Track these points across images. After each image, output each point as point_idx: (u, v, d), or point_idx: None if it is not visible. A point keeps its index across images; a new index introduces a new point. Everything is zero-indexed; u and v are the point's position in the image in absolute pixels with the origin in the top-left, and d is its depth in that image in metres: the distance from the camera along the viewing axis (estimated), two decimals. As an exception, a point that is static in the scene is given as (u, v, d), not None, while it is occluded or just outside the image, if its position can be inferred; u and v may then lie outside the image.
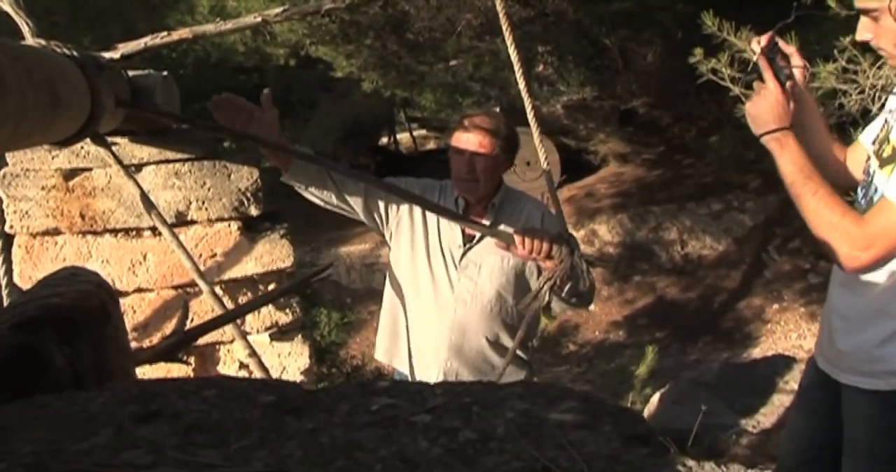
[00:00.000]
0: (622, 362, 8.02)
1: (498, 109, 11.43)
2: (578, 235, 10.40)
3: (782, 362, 6.04)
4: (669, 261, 9.95)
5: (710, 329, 8.81)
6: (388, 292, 2.99)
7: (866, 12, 1.90)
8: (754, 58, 2.05)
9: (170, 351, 1.03)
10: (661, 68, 9.21)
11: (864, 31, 1.94)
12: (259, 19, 2.41)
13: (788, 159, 1.97)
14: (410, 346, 2.93)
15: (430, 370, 2.84)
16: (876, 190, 2.00)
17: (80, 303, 0.71)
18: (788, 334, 8.17)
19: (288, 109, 14.70)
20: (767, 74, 2.03)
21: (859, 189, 2.13)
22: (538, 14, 8.01)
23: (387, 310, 3.00)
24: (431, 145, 18.91)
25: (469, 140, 2.73)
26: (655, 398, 5.65)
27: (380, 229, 2.92)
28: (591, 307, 9.22)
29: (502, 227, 2.77)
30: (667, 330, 8.92)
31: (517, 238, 2.47)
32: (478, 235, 2.80)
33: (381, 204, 2.83)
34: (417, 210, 2.82)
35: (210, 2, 8.06)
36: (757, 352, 7.97)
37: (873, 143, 2.12)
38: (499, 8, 2.31)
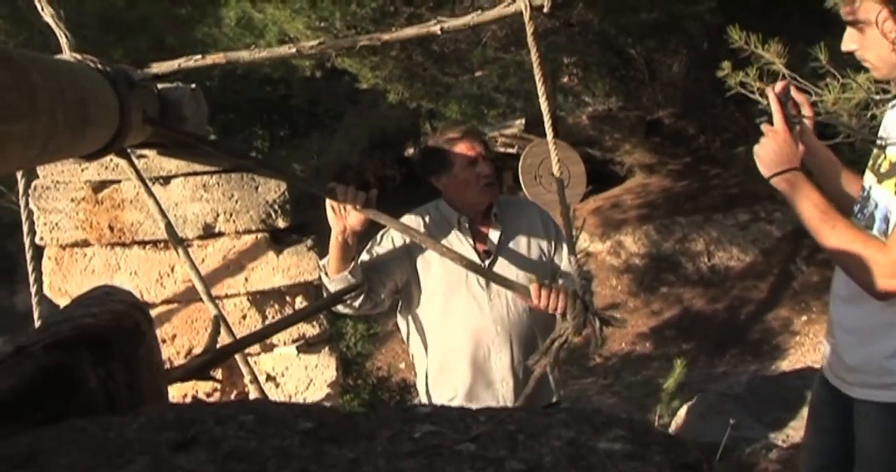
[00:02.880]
0: (649, 374, 7.96)
1: (524, 120, 11.44)
2: (604, 246, 10.35)
3: (811, 375, 5.92)
4: (696, 272, 9.88)
5: (737, 341, 8.73)
6: (417, 344, 2.88)
7: (853, 23, 1.91)
8: (765, 102, 2.07)
9: (201, 369, 1.03)
10: (687, 79, 9.18)
11: (850, 41, 1.95)
12: (293, 50, 2.43)
13: (801, 197, 1.97)
14: (453, 383, 2.82)
15: (489, 398, 2.78)
16: (876, 206, 2.00)
17: (114, 323, 0.71)
18: (817, 347, 8.07)
19: (314, 120, 14.77)
20: (777, 117, 2.04)
21: (856, 205, 2.12)
22: (563, 24, 8.01)
23: (423, 358, 2.88)
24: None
25: (475, 147, 2.74)
26: (683, 410, 5.59)
27: (397, 295, 2.84)
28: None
29: (514, 242, 2.79)
30: (694, 342, 8.85)
31: (533, 291, 2.45)
32: (493, 249, 2.78)
33: (395, 274, 2.77)
34: (417, 252, 2.76)
35: (237, 14, 8.12)
36: (785, 364, 7.88)
37: (870, 157, 2.12)
38: (529, 38, 2.31)
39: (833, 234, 1.91)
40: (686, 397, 5.97)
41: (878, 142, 2.09)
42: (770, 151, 2.03)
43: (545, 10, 2.29)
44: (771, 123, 2.06)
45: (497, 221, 2.81)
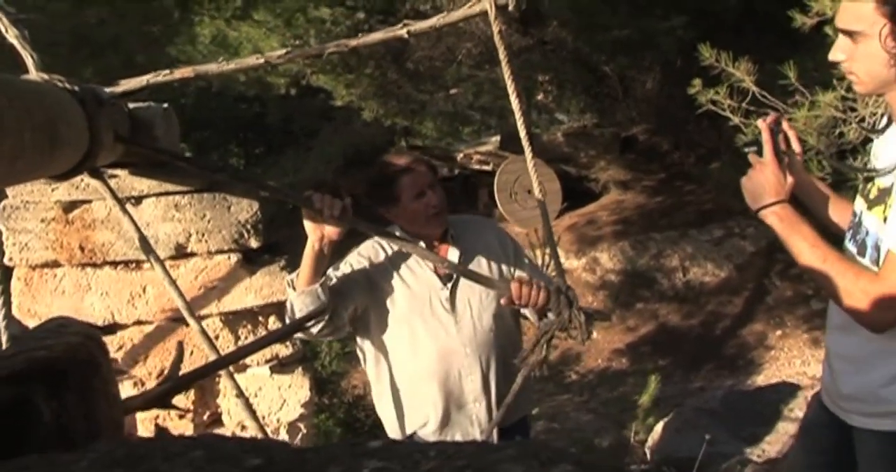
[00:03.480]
0: (625, 390, 7.97)
1: (499, 137, 11.48)
2: (580, 262, 10.38)
3: (787, 390, 5.98)
4: (671, 288, 9.92)
5: (713, 356, 8.76)
6: (380, 371, 2.82)
7: (848, 33, 1.83)
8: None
9: (162, 397, 1.01)
10: (661, 95, 9.25)
11: (839, 51, 1.87)
12: (261, 60, 2.42)
13: (791, 231, 1.94)
14: (425, 409, 2.77)
15: (464, 420, 2.77)
16: (867, 233, 1.97)
17: (69, 355, 0.70)
18: (792, 361, 8.12)
19: (289, 138, 14.77)
20: (767, 147, 2.01)
21: (847, 231, 2.09)
22: (537, 42, 8.06)
23: (387, 387, 2.82)
24: (432, 173, 18.91)
25: (423, 173, 2.69)
26: (659, 426, 5.60)
27: (357, 321, 2.78)
28: (594, 334, 9.18)
29: (474, 262, 2.76)
30: (669, 357, 8.87)
31: (514, 288, 2.44)
32: (454, 271, 2.75)
33: (356, 300, 2.70)
34: (379, 278, 2.73)
35: (212, 32, 8.12)
36: (761, 379, 7.92)
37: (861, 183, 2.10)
38: (496, 36, 2.31)
39: (824, 267, 1.87)
40: (662, 412, 5.98)
41: (861, 174, 2.07)
42: (757, 184, 2.00)
43: (510, 8, 2.29)
44: (760, 154, 2.03)
45: (454, 243, 2.79)
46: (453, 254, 2.76)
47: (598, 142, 11.11)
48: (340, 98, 8.46)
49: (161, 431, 2.30)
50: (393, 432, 2.86)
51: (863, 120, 2.97)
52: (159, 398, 1.04)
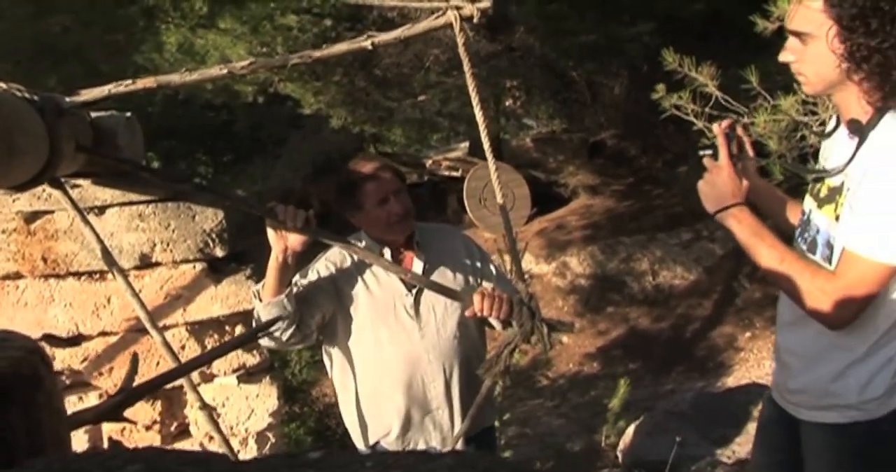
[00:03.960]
0: (596, 393, 8.00)
1: (468, 144, 11.52)
2: (550, 267, 10.42)
3: (756, 391, 6.02)
4: (641, 291, 9.98)
5: (683, 359, 8.82)
6: (345, 377, 2.83)
7: (797, 34, 1.89)
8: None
9: (113, 410, 0.99)
10: (628, 100, 9.33)
11: (789, 52, 1.93)
12: (225, 71, 2.39)
13: (748, 233, 1.98)
14: (388, 416, 2.78)
15: (428, 427, 2.77)
16: (818, 231, 2.02)
17: (11, 370, 0.69)
18: (761, 362, 8.19)
19: (257, 146, 14.70)
20: (723, 151, 2.05)
21: (797, 229, 2.14)
22: (505, 48, 8.10)
23: (352, 395, 2.82)
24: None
25: (388, 180, 2.69)
26: (630, 429, 5.63)
27: (324, 328, 2.78)
28: (564, 339, 9.20)
29: (439, 271, 2.77)
30: (640, 361, 8.92)
31: (476, 299, 2.44)
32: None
33: (322, 307, 2.71)
34: (345, 284, 2.73)
35: (178, 40, 8.07)
36: (731, 380, 7.98)
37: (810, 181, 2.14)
38: (461, 49, 2.31)
39: (781, 267, 1.91)
40: (633, 415, 6.01)
41: (812, 175, 2.11)
42: (714, 187, 2.03)
43: (475, 20, 2.28)
44: (715, 157, 2.06)
45: (420, 250, 2.79)
46: (418, 262, 2.76)
47: (566, 147, 11.19)
48: (308, 106, 8.44)
49: (115, 444, 2.26)
50: (357, 441, 2.87)
51: (823, 123, 3.01)
52: (110, 411, 1.02)
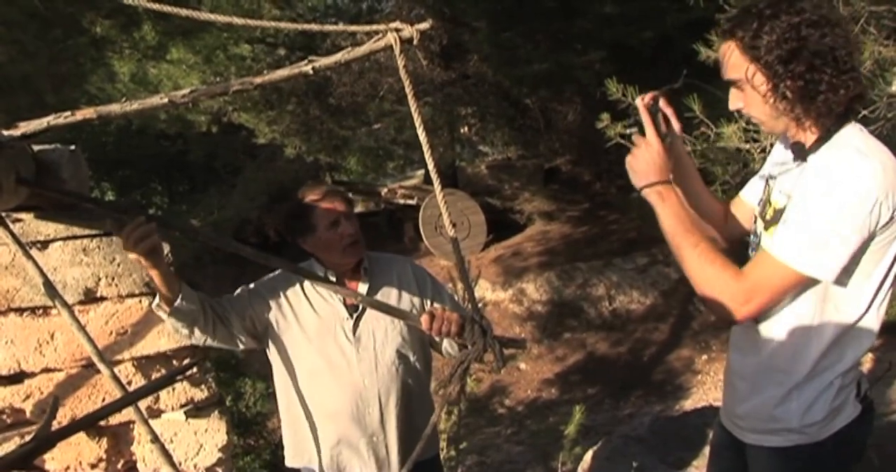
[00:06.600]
0: (555, 420, 7.99)
1: (423, 172, 11.55)
2: (506, 294, 10.44)
3: (711, 413, 6.05)
4: (598, 317, 10.03)
5: (641, 383, 8.86)
6: (283, 395, 2.87)
7: (733, 83, 1.95)
8: (638, 113, 2.09)
9: (24, 459, 0.96)
10: (582, 126, 9.41)
11: (736, 100, 1.99)
12: (165, 100, 2.35)
13: (669, 212, 2.00)
14: (322, 439, 2.80)
15: (363, 452, 2.76)
16: None
17: None
18: (718, 385, 8.25)
19: (212, 175, 14.61)
20: (649, 129, 2.05)
21: (749, 251, 2.17)
22: (459, 76, 8.15)
23: (289, 413, 2.87)
24: (359, 208, 18.92)
25: (338, 203, 2.74)
26: (588, 455, 5.62)
27: (259, 340, 2.82)
28: (522, 366, 9.20)
29: (381, 292, 2.79)
30: (599, 386, 8.94)
31: (424, 320, 2.42)
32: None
33: (255, 312, 2.75)
34: (288, 301, 2.76)
35: (130, 70, 8.02)
36: (689, 403, 8.02)
37: (758, 204, 2.18)
38: (401, 71, 2.30)
39: (693, 252, 1.94)
40: (592, 441, 6.01)
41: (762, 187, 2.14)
42: (643, 162, 2.04)
43: (414, 42, 2.28)
44: (643, 133, 2.07)
45: (365, 276, 2.80)
46: (362, 287, 2.77)
47: (521, 173, 11.26)
48: (262, 135, 8.43)
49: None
50: (290, 459, 2.90)
51: (764, 150, 3.07)
52: (21, 459, 0.99)
